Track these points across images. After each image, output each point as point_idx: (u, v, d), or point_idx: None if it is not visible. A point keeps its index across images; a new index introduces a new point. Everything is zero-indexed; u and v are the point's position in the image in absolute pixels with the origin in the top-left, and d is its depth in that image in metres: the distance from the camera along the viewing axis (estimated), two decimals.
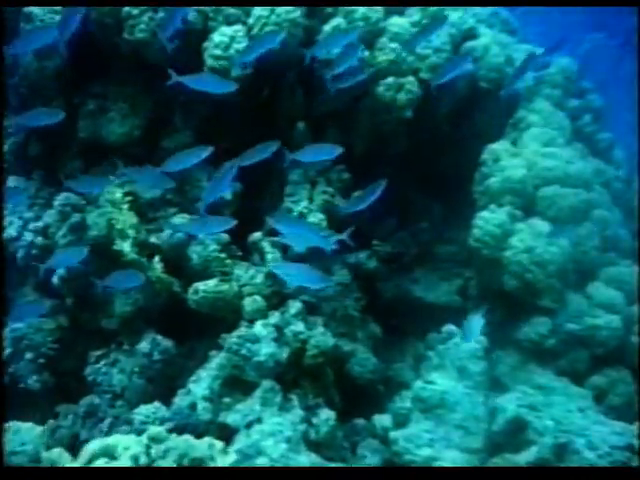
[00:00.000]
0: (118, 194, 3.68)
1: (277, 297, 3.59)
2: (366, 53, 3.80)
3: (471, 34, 4.10)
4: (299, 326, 3.43)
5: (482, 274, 3.89)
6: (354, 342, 3.81)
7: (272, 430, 3.04)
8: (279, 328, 3.41)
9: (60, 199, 3.71)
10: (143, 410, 3.18)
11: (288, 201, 3.89)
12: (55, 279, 3.61)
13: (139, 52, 3.75)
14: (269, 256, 3.61)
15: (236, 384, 3.31)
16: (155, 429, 2.84)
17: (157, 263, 3.57)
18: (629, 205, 4.27)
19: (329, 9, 3.82)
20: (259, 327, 3.38)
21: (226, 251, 3.72)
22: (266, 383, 3.25)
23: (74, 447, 3.46)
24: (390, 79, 3.82)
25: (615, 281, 3.76)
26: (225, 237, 3.73)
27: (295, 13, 3.67)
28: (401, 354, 4.16)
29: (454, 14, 4.07)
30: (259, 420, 3.11)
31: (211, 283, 3.51)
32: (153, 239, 3.63)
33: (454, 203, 4.40)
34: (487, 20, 4.31)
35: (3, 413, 3.19)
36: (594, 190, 3.91)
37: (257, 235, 3.67)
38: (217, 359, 3.38)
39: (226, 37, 3.66)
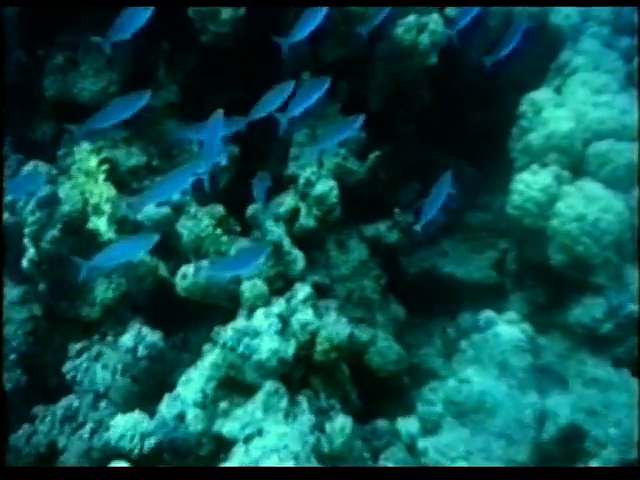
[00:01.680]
0: (92, 162, 3.12)
1: (282, 280, 3.07)
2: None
3: None
4: (308, 314, 2.90)
5: (523, 247, 3.31)
6: (373, 328, 3.29)
7: (276, 445, 2.52)
8: (284, 318, 2.87)
9: (27, 168, 3.18)
10: (121, 422, 2.65)
11: (293, 166, 3.33)
12: (24, 262, 3.09)
13: None
14: (272, 231, 3.05)
15: (233, 386, 2.79)
16: None
17: None
18: None
19: None
20: (260, 317, 2.85)
21: (222, 226, 3.18)
22: (269, 385, 2.73)
23: (51, 457, 3.00)
24: (411, 18, 3.20)
25: None
26: (220, 210, 3.19)
27: None
28: (429, 338, 3.66)
29: None
30: (260, 432, 2.59)
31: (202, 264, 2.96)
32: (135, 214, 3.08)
33: (488, 164, 3.82)
34: None
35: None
36: None
37: (255, 207, 3.11)
38: (211, 356, 2.85)
39: None
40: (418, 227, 2.91)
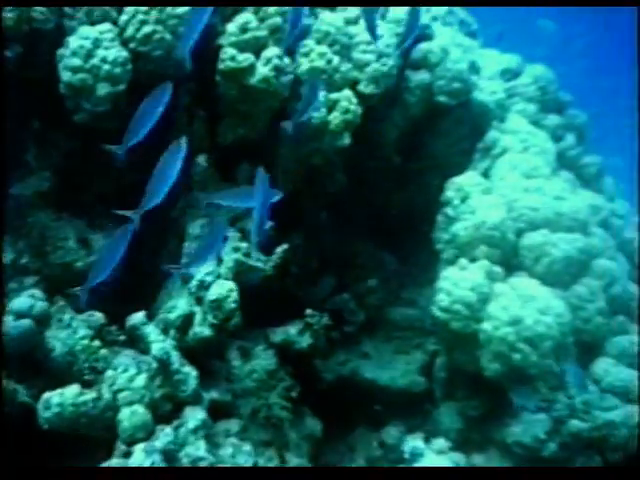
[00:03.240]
0: None
1: (170, 403, 2.55)
2: (285, 60, 2.79)
3: (425, 34, 3.12)
4: (199, 448, 2.40)
5: (452, 353, 2.89)
6: (283, 451, 2.78)
7: None
8: (170, 454, 2.36)
9: None
10: None
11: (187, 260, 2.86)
12: None
13: None
14: (155, 345, 2.56)
15: None
16: None
17: None
18: (630, 248, 3.33)
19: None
20: (139, 455, 2.33)
21: (101, 336, 2.67)
22: None
23: None
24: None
25: (628, 355, 2.81)
26: (99, 317, 2.70)
27: (182, 8, 2.66)
28: (351, 454, 3.18)
29: (399, 10, 3.09)
30: None
31: (69, 392, 2.44)
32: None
33: (410, 253, 3.44)
34: (443, 18, 3.34)
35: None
36: (593, 234, 2.96)
37: (138, 317, 2.62)
38: None
39: (88, 41, 2.62)
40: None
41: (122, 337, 2.76)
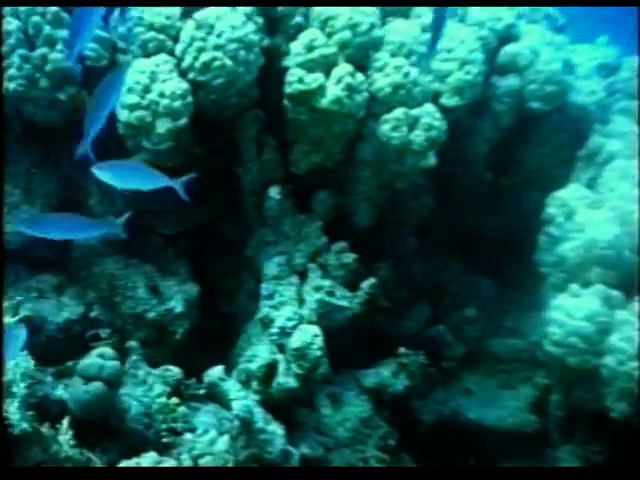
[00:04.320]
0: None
1: (257, 465, 2.31)
2: (359, 77, 2.53)
3: (510, 34, 2.80)
4: None
5: (570, 390, 2.54)
6: None
7: None
8: None
9: None
10: None
11: (265, 305, 2.63)
12: None
13: None
14: (236, 404, 2.32)
15: None
16: None
17: (65, 432, 2.27)
18: None
19: (295, 19, 2.57)
20: None
21: (178, 392, 2.47)
22: None
23: None
24: (398, 112, 2.54)
25: None
26: (176, 371, 2.49)
27: (247, 28, 2.44)
28: None
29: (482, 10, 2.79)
30: None
31: (146, 462, 2.22)
32: (59, 391, 2.36)
33: (509, 276, 3.10)
34: (529, 15, 3.01)
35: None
36: None
37: (216, 372, 2.39)
38: None
39: (145, 75, 2.43)
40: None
41: (201, 391, 2.56)
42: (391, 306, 2.95)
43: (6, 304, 2.50)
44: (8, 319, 2.47)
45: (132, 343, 2.59)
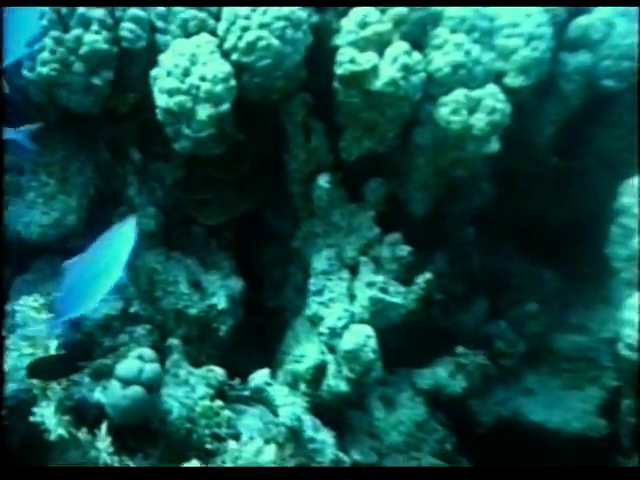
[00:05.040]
0: None
1: None
2: (415, 56, 2.32)
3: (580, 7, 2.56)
4: None
5: None
6: None
7: None
8: None
9: None
10: None
11: (314, 302, 2.46)
12: None
13: None
14: (283, 410, 2.17)
15: None
16: None
17: (104, 439, 2.14)
18: None
19: None
20: None
21: (222, 394, 2.33)
22: None
23: None
24: (458, 93, 2.33)
25: None
26: (219, 372, 2.35)
27: (287, 9, 2.25)
28: None
29: None
30: None
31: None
32: (97, 394, 2.23)
33: (574, 268, 2.87)
34: None
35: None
36: None
37: (262, 376, 2.24)
38: None
39: (185, 58, 2.26)
40: None
41: (246, 392, 2.41)
42: (447, 300, 2.77)
43: (41, 300, 2.38)
44: (45, 315, 2.36)
45: (173, 341, 2.46)
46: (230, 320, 2.54)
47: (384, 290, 2.42)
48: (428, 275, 2.50)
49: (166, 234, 2.58)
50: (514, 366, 2.83)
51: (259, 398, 2.27)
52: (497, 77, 2.40)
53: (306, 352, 2.42)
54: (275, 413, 2.21)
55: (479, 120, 2.33)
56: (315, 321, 2.45)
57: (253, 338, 2.76)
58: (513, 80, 2.40)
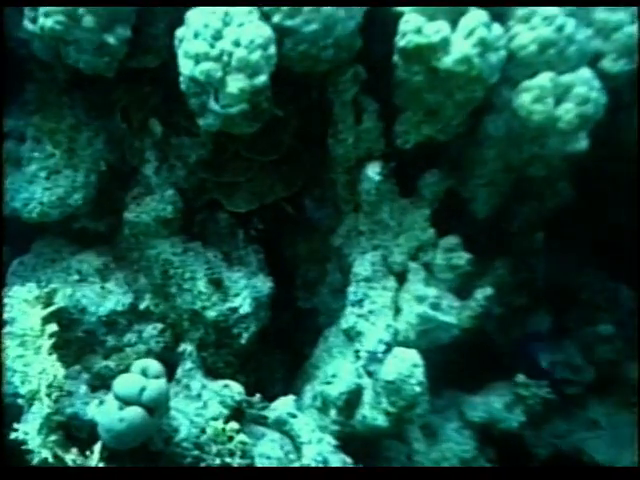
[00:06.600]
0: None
1: None
2: (496, 30, 1.90)
3: None
4: None
5: None
6: None
7: None
8: None
9: None
10: None
11: (353, 312, 2.10)
12: None
13: None
14: (308, 450, 1.82)
15: None
16: None
17: (96, 464, 1.82)
18: None
19: None
20: None
21: (238, 415, 2.00)
22: None
23: None
24: (544, 77, 1.92)
25: None
26: (237, 389, 2.02)
27: None
28: None
29: None
30: None
31: None
32: (92, 409, 1.90)
33: None
34: None
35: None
36: None
37: (286, 405, 1.90)
38: None
39: (216, 17, 1.87)
40: None
41: (266, 412, 2.07)
42: (506, 314, 2.40)
43: (37, 292, 2.05)
44: (39, 310, 2.03)
45: (187, 347, 2.14)
46: (253, 326, 2.19)
47: (436, 306, 2.05)
48: (489, 290, 2.12)
49: (186, 221, 2.23)
50: (578, 395, 2.46)
51: (281, 431, 1.92)
52: (593, 60, 1.97)
53: (339, 372, 2.06)
54: (299, 449, 1.86)
55: (567, 112, 1.92)
56: (352, 336, 2.09)
57: (280, 341, 2.43)
58: (612, 64, 1.98)
